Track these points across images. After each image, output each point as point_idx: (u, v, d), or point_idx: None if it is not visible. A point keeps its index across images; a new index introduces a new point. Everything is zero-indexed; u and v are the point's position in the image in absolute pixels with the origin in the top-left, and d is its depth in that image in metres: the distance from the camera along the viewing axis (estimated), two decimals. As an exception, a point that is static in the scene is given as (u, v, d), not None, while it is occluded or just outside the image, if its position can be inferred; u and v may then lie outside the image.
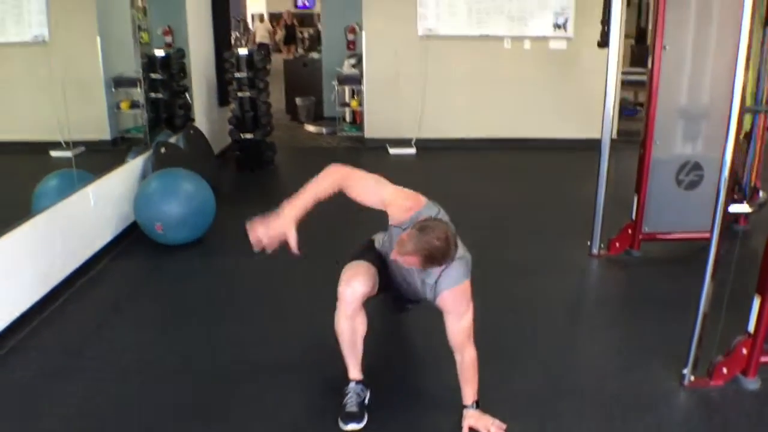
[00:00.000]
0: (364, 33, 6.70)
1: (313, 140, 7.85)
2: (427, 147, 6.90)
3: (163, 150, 4.82)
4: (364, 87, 6.93)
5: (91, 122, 5.35)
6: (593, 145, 3.81)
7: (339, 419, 2.37)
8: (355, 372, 2.46)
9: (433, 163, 6.56)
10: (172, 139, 5.23)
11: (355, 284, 2.28)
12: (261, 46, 15.45)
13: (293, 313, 3.33)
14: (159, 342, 3.07)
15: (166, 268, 3.97)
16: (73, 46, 5.37)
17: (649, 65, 3.61)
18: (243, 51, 5.96)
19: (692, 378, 2.61)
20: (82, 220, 3.81)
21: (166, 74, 5.75)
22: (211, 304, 3.47)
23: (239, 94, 6.00)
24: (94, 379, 2.74)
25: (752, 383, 2.59)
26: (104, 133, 5.34)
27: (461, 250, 2.24)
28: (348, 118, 8.10)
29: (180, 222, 4.09)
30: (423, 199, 2.34)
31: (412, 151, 6.85)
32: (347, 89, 7.80)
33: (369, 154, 6.87)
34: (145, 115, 5.57)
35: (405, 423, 2.43)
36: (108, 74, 5.37)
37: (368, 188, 2.29)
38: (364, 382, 2.47)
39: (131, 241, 4.27)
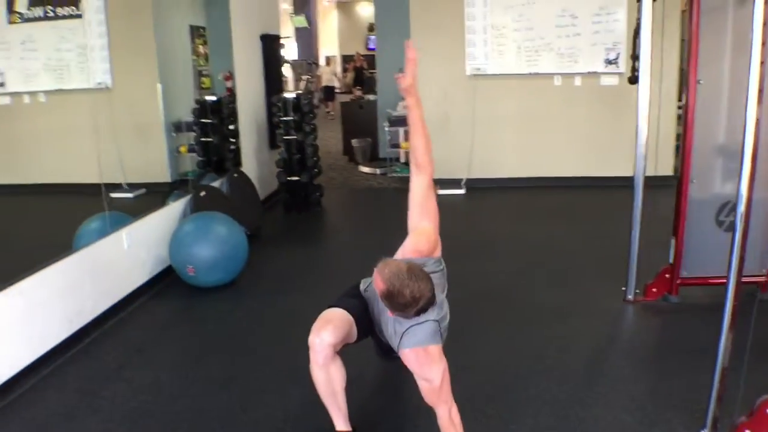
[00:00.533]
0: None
1: (366, 181, 7.90)
2: (476, 187, 6.81)
3: (202, 194, 4.94)
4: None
5: (153, 165, 5.59)
6: (649, 183, 3.63)
7: (325, 472, 2.30)
8: (339, 423, 2.39)
9: (480, 203, 6.46)
10: (216, 183, 5.36)
11: (324, 334, 2.23)
12: (327, 89, 15.79)
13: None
14: (174, 384, 3.10)
15: (196, 310, 4.03)
16: (135, 93, 5.68)
17: (684, 100, 3.43)
18: (290, 95, 6.11)
19: None
20: (115, 262, 3.94)
21: (216, 118, 5.95)
22: (233, 347, 3.49)
23: (286, 137, 6.12)
24: (102, 421, 2.79)
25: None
26: (165, 176, 5.56)
27: (435, 314, 2.14)
28: (402, 158, 8.11)
29: (212, 265, 4.16)
30: (438, 252, 2.31)
31: (461, 191, 6.77)
32: (401, 130, 7.83)
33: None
34: (198, 159, 5.79)
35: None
36: (168, 119, 5.61)
37: (424, 199, 2.31)
38: (351, 434, 2.40)
39: (167, 283, 4.37)
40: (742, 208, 2.23)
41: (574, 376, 3.00)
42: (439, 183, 6.75)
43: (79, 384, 3.12)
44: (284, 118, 6.09)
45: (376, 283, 2.01)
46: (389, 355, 2.77)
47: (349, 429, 2.40)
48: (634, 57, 3.54)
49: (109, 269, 3.87)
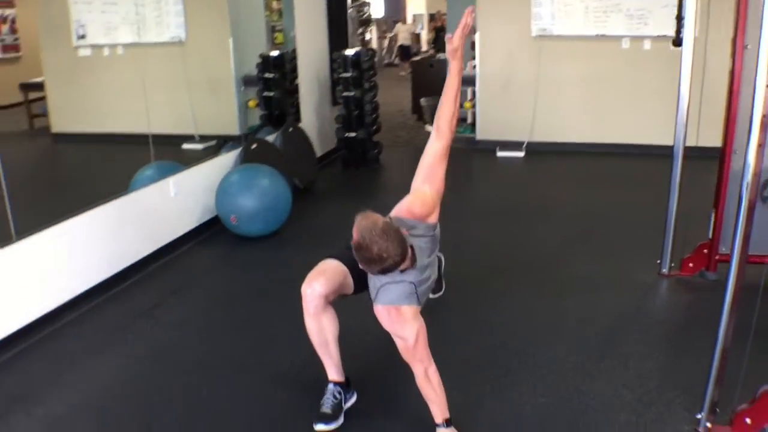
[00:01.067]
0: (477, 34, 6.59)
1: (429, 140, 7.85)
2: (537, 151, 6.64)
3: (253, 146, 5.08)
4: (477, 88, 6.81)
5: (223, 119, 5.79)
6: (715, 154, 3.46)
7: (314, 419, 2.39)
8: (332, 373, 2.46)
9: (540, 167, 6.30)
10: (271, 137, 5.49)
11: (315, 284, 2.28)
12: (403, 48, 15.50)
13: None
14: (199, 326, 3.29)
15: (236, 258, 4.21)
16: (207, 47, 5.88)
17: (730, 66, 3.22)
18: (350, 52, 6.12)
19: (708, 425, 2.30)
20: (161, 209, 4.15)
21: (278, 73, 6.06)
22: (264, 295, 3.63)
23: (345, 93, 6.17)
24: (124, 356, 3.01)
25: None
26: (234, 130, 5.77)
27: (413, 276, 2.16)
28: (469, 119, 7.99)
29: (252, 215, 4.31)
30: (434, 219, 2.32)
31: (520, 154, 6.62)
32: (468, 90, 7.69)
33: (477, 156, 6.75)
34: (260, 112, 5.95)
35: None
36: (239, 73, 5.78)
37: (433, 165, 2.32)
38: (343, 384, 2.47)
39: (214, 231, 4.57)
40: (749, 177, 2.10)
41: (586, 349, 2.94)
42: (500, 144, 6.71)
43: (112, 321, 3.35)
44: (343, 75, 6.12)
45: (354, 232, 2.05)
46: None
47: (342, 379, 2.47)
48: (678, 18, 3.34)
49: (155, 215, 4.09)
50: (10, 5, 6.79)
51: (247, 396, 2.63)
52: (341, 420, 2.41)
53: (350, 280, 2.38)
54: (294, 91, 6.21)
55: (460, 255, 3.82)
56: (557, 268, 3.84)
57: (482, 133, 6.92)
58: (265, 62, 6.02)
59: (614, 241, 4.25)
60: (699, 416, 2.31)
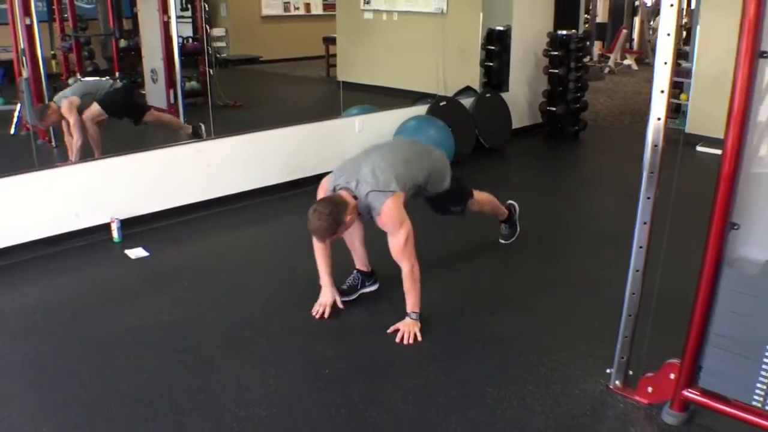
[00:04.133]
0: (698, 27, 6.50)
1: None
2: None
3: (442, 103, 5.98)
4: (692, 81, 6.73)
5: (467, 82, 6.85)
6: None
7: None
8: (357, 263, 3.38)
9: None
10: (466, 100, 6.31)
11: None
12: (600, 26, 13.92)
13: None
14: (287, 243, 4.20)
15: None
16: (462, 18, 6.97)
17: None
18: (561, 32, 6.59)
19: (618, 383, 2.63)
20: (343, 140, 5.31)
21: (499, 46, 6.83)
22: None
23: (550, 70, 6.68)
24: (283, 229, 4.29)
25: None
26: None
27: (367, 187, 2.89)
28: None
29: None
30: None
31: (718, 151, 6.42)
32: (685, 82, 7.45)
33: (676, 149, 6.67)
34: (479, 78, 6.82)
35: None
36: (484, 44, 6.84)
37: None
38: (364, 273, 3.38)
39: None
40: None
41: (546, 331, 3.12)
42: (704, 140, 6.55)
43: (278, 211, 4.65)
44: (552, 53, 6.63)
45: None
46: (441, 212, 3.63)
47: (362, 269, 3.36)
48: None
49: (336, 143, 5.25)
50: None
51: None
52: (354, 296, 3.33)
53: None
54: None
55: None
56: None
57: (692, 127, 6.83)
58: (490, 35, 6.83)
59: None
60: (609, 371, 2.64)
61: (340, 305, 3.22)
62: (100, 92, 4.81)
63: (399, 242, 2.92)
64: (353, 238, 3.31)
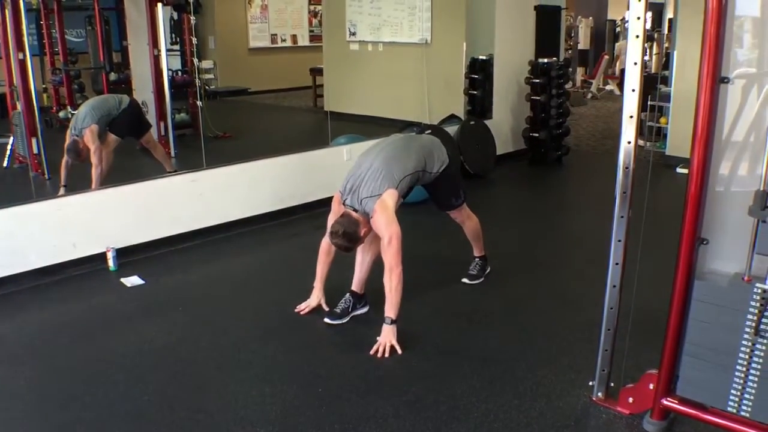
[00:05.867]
0: (675, 53, 6.75)
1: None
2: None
3: (427, 132, 6.10)
4: (671, 105, 6.95)
5: (452, 109, 7.05)
6: None
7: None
8: (355, 283, 3.49)
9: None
10: (450, 128, 6.48)
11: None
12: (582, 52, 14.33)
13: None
14: (300, 257, 4.21)
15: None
16: (446, 48, 7.20)
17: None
18: (543, 60, 6.81)
19: (600, 395, 2.73)
20: (332, 168, 5.44)
21: (482, 75, 7.04)
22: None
23: (532, 97, 6.89)
24: (278, 250, 4.40)
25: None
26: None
27: (365, 195, 3.15)
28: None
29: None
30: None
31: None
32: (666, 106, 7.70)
33: (657, 170, 6.87)
34: (463, 106, 7.02)
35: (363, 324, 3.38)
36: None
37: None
38: (357, 296, 3.49)
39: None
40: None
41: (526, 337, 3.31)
42: (684, 162, 6.73)
43: (273, 238, 4.78)
44: (533, 80, 6.84)
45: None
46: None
47: (356, 291, 3.48)
48: None
49: (325, 172, 5.37)
50: (318, 2, 9.01)
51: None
52: (346, 320, 3.44)
53: None
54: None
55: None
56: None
57: (672, 149, 7.03)
58: (473, 64, 7.04)
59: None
60: (591, 383, 2.76)
61: (325, 308, 3.50)
62: (111, 113, 4.90)
63: (384, 242, 3.10)
64: (367, 253, 3.43)
